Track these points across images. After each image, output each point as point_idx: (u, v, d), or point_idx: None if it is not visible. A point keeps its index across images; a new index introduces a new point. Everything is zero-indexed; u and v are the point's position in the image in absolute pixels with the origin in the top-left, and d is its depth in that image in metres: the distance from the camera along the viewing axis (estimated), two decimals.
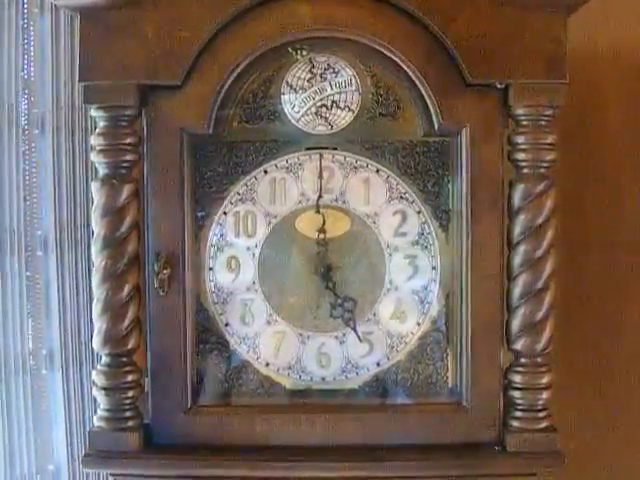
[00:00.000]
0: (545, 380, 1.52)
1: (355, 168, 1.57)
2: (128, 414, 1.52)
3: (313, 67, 1.54)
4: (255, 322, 1.59)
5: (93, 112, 1.49)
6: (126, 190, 1.48)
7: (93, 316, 1.50)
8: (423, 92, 1.49)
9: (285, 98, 1.54)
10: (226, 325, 1.59)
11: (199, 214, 1.57)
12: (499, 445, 1.53)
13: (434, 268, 1.59)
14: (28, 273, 1.76)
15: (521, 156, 1.49)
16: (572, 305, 1.84)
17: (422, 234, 1.58)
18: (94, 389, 1.52)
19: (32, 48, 1.75)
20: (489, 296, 1.52)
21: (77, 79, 1.48)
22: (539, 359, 1.52)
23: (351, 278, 1.59)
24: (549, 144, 1.48)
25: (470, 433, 1.54)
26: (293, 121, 1.55)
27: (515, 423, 1.53)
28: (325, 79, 1.54)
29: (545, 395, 1.52)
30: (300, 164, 1.57)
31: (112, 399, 1.51)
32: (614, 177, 1.90)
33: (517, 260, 1.50)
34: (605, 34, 1.85)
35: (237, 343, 1.59)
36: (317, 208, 1.57)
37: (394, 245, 1.58)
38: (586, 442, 1.90)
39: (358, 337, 1.59)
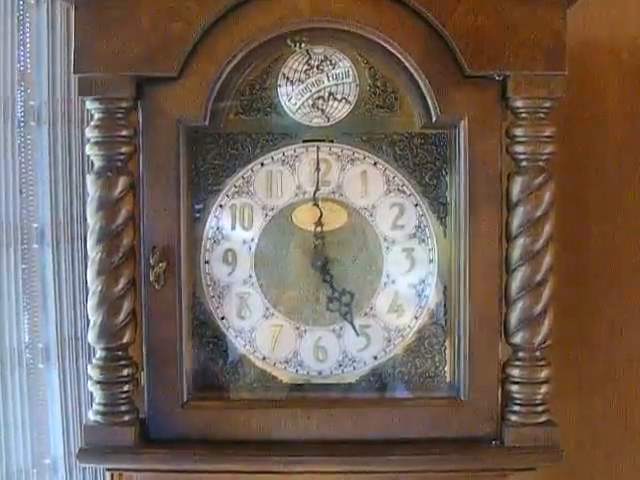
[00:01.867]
0: (543, 374, 1.52)
1: (352, 160, 1.56)
2: (124, 408, 1.51)
3: (310, 59, 1.53)
4: (252, 316, 1.58)
5: (88, 104, 1.48)
6: (122, 183, 1.47)
7: (88, 310, 1.50)
8: (421, 84, 1.48)
9: (282, 90, 1.53)
10: (222, 319, 1.58)
11: (195, 207, 1.57)
12: (497, 439, 1.53)
13: (431, 261, 1.58)
14: (24, 266, 1.75)
15: (520, 148, 1.48)
16: (571, 299, 1.83)
17: (419, 227, 1.57)
18: (90, 383, 1.52)
19: (28, 40, 1.74)
20: (487, 289, 1.51)
21: (72, 71, 1.47)
22: (537, 353, 1.51)
23: (348, 271, 1.58)
24: (548, 136, 1.47)
25: (468, 427, 1.53)
26: (290, 113, 1.54)
27: (513, 417, 1.52)
28: (322, 71, 1.53)
29: (543, 389, 1.52)
30: (297, 156, 1.56)
31: (108, 393, 1.50)
32: (613, 170, 1.89)
33: (515, 253, 1.49)
34: (604, 26, 1.84)
35: (233, 337, 1.59)
36: (314, 201, 1.56)
37: (391, 238, 1.57)
38: (586, 441, 1.90)
39: (355, 331, 1.58)
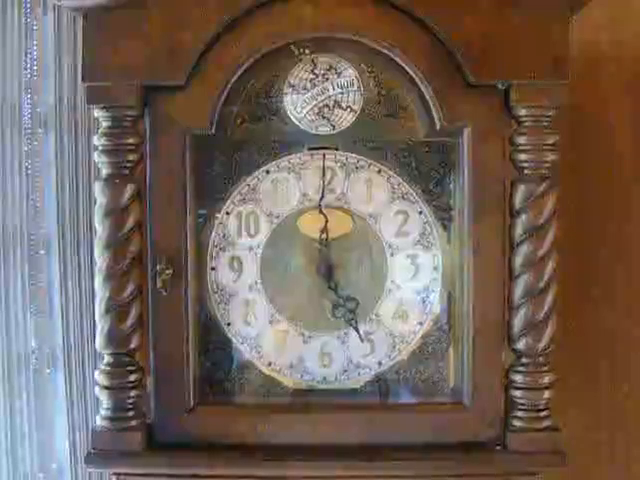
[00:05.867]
0: (547, 380, 1.52)
1: (357, 168, 1.57)
2: (131, 414, 1.52)
3: (315, 67, 1.54)
4: (257, 322, 1.59)
5: (96, 112, 1.49)
6: (129, 190, 1.48)
7: (96, 316, 1.50)
8: (425, 93, 1.49)
9: (287, 98, 1.54)
10: (228, 325, 1.59)
11: (201, 214, 1.57)
12: (500, 444, 1.53)
13: (436, 268, 1.59)
14: (31, 272, 1.77)
15: (523, 157, 1.49)
16: (575, 306, 1.84)
17: (424, 234, 1.58)
18: (97, 388, 1.52)
19: (35, 48, 1.76)
20: (491, 296, 1.52)
21: (80, 79, 1.48)
22: (541, 359, 1.52)
23: (353, 278, 1.59)
24: (551, 145, 1.48)
25: (471, 432, 1.54)
26: (295, 121, 1.55)
27: (517, 423, 1.53)
28: (327, 79, 1.54)
29: (547, 394, 1.52)
30: (302, 164, 1.57)
31: (115, 398, 1.51)
32: (619, 176, 1.90)
33: (519, 260, 1.50)
34: (609, 33, 1.85)
35: (239, 343, 1.59)
36: (319, 208, 1.57)
37: (396, 245, 1.58)
38: (587, 444, 1.91)
39: (360, 337, 1.59)
